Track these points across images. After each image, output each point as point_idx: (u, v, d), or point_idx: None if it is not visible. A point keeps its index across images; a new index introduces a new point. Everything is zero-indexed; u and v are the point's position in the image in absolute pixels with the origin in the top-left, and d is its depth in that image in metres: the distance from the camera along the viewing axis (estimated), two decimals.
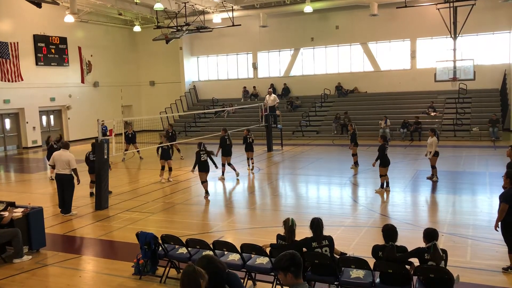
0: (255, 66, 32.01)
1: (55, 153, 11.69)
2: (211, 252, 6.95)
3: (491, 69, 25.14)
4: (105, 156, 12.04)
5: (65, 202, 11.51)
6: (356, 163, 16.53)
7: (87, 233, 10.19)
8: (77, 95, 30.02)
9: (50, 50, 28.00)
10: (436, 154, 13.66)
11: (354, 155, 16.56)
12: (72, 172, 11.31)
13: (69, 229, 10.40)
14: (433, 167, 13.80)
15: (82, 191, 13.39)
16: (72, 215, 11.45)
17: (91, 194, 13.31)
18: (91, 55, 30.83)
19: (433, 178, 13.78)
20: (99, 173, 12.00)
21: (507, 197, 6.99)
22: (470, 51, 25.04)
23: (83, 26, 29.84)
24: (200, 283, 3.49)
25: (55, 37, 28.23)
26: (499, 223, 7.09)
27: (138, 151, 20.49)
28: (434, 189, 13.31)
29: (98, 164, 12.11)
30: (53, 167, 11.94)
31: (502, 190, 7.56)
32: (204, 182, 12.85)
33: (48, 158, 16.55)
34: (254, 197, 13.39)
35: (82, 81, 30.43)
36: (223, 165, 15.56)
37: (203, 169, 12.82)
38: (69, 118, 29.50)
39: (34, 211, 8.93)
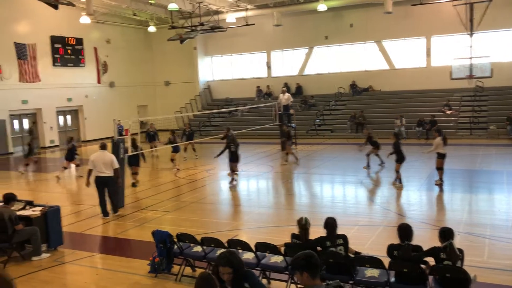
0: (268, 65, 32.00)
1: (95, 155, 11.16)
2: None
3: (508, 66, 24.74)
4: (121, 156, 12.16)
5: (112, 202, 11.28)
6: (368, 165, 16.00)
7: (104, 232, 10.32)
8: (93, 95, 30.37)
9: (67, 51, 28.38)
10: (439, 156, 12.93)
11: (368, 155, 16.22)
12: (114, 172, 11.02)
13: (86, 228, 10.53)
14: (437, 169, 13.02)
15: None
16: (119, 215, 11.29)
17: (133, 184, 14.26)
18: (107, 56, 31.15)
19: (436, 181, 13.01)
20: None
21: None
22: (487, 48, 24.67)
23: (99, 27, 30.17)
24: None
25: (72, 38, 28.59)
26: None
27: (152, 150, 20.59)
28: (450, 188, 13.16)
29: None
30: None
31: None
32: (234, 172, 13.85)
33: (68, 158, 16.84)
34: (268, 196, 13.40)
35: (98, 81, 30.78)
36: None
37: (234, 159, 13.83)
38: (85, 118, 29.87)
39: (52, 210, 9.08)
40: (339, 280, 4.72)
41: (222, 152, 14.76)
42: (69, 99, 28.70)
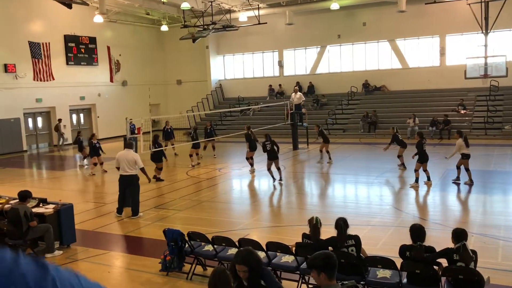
0: (281, 64, 31.95)
1: (120, 154, 11.12)
2: (236, 250, 7.00)
3: None
4: None
5: (133, 204, 11.05)
6: (403, 165, 15.54)
7: (116, 230, 10.39)
8: (106, 93, 30.59)
9: (80, 50, 28.62)
10: (464, 156, 12.98)
11: (400, 156, 15.63)
12: (140, 171, 11.04)
13: (98, 226, 10.61)
14: (466, 170, 13.06)
15: (111, 188, 13.65)
16: (140, 217, 11.08)
17: (158, 179, 14.72)
18: (120, 55, 31.36)
19: (456, 180, 13.20)
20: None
21: None
22: (502, 47, 24.33)
23: (112, 26, 30.38)
24: (230, 285, 3.51)
25: (85, 37, 28.83)
26: None
27: (173, 147, 20.67)
28: (464, 189, 13.01)
29: None
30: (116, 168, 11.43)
31: None
32: (269, 170, 14.13)
33: (90, 154, 17.06)
34: (280, 196, 13.38)
35: (111, 80, 31.00)
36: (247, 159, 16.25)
37: (271, 157, 14.04)
38: (98, 117, 30.11)
39: (65, 208, 9.17)
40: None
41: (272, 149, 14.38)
42: (82, 98, 28.95)
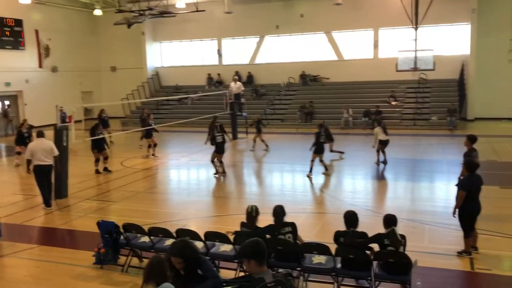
0: (219, 53, 31.72)
1: (34, 144, 10.77)
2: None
3: (450, 59, 25.84)
4: (64, 144, 11.67)
5: (49, 194, 10.82)
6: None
7: (46, 223, 9.91)
8: (35, 80, 28.93)
9: (5, 33, 26.77)
10: (380, 142, 14.51)
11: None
12: (53, 160, 10.68)
13: (27, 219, 10.06)
14: (377, 151, 14.72)
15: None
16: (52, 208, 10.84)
17: (105, 169, 14.42)
18: (49, 39, 29.69)
19: (376, 162, 14.73)
20: (59, 161, 11.58)
21: (465, 185, 7.24)
22: (431, 41, 25.64)
23: (40, 8, 28.67)
24: (166, 275, 3.45)
25: (10, 19, 26.98)
26: (456, 209, 7.34)
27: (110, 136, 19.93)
28: (393, 176, 13.66)
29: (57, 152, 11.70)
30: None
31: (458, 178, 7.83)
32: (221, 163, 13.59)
33: (18, 143, 16.06)
34: (218, 185, 13.35)
35: (40, 66, 29.34)
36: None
37: (221, 150, 13.47)
38: (26, 104, 28.40)
39: None
40: (288, 268, 4.80)
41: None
42: (8, 84, 27.16)
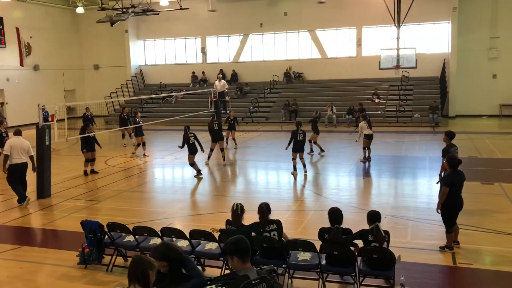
0: (204, 51, 31.62)
1: (12, 141, 10.75)
2: (159, 240, 6.89)
3: (431, 57, 26.20)
4: (47, 143, 11.54)
5: (24, 190, 10.91)
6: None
7: (28, 223, 9.79)
8: (16, 78, 28.48)
9: None
10: (365, 136, 14.69)
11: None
12: (29, 159, 10.82)
13: (8, 219, 9.93)
14: (363, 149, 14.86)
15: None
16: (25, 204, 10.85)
17: (92, 171, 14.06)
18: (31, 37, 29.26)
19: (362, 159, 14.86)
20: (41, 160, 11.48)
21: (448, 181, 7.33)
22: (413, 40, 25.94)
23: (21, 5, 28.24)
24: (148, 274, 3.44)
25: None
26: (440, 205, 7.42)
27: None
28: (377, 173, 13.81)
29: (40, 151, 11.57)
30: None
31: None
32: (193, 164, 13.37)
33: None
34: (203, 184, 13.33)
35: (21, 64, 28.89)
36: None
37: (192, 151, 13.30)
38: (6, 103, 27.96)
39: None
40: (273, 265, 4.83)
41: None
42: None
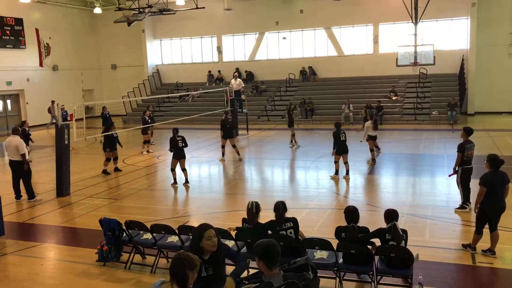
0: (219, 50, 31.71)
1: (7, 140, 11.32)
2: (176, 238, 6.94)
3: (450, 54, 25.83)
4: (66, 142, 11.72)
5: (26, 188, 11.24)
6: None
7: (48, 221, 9.95)
8: (36, 79, 28.96)
9: (5, 32, 26.79)
10: (369, 137, 14.22)
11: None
12: (22, 158, 11.03)
13: (29, 217, 10.12)
14: (371, 150, 14.34)
15: (43, 178, 13.03)
16: (36, 201, 11.22)
17: (106, 171, 14.05)
18: (50, 38, 29.72)
19: (369, 162, 14.30)
20: (60, 158, 11.67)
21: (486, 181, 6.99)
22: (430, 36, 25.59)
23: (40, 7, 28.67)
24: (186, 274, 3.36)
25: (10, 18, 27.00)
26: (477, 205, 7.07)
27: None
28: (395, 171, 13.67)
29: (59, 150, 11.76)
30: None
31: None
32: (173, 170, 12.50)
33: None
34: (220, 182, 13.38)
35: (41, 65, 29.36)
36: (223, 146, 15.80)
37: (178, 156, 12.36)
38: (27, 103, 28.46)
39: None
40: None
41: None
42: (9, 83, 27.21)
